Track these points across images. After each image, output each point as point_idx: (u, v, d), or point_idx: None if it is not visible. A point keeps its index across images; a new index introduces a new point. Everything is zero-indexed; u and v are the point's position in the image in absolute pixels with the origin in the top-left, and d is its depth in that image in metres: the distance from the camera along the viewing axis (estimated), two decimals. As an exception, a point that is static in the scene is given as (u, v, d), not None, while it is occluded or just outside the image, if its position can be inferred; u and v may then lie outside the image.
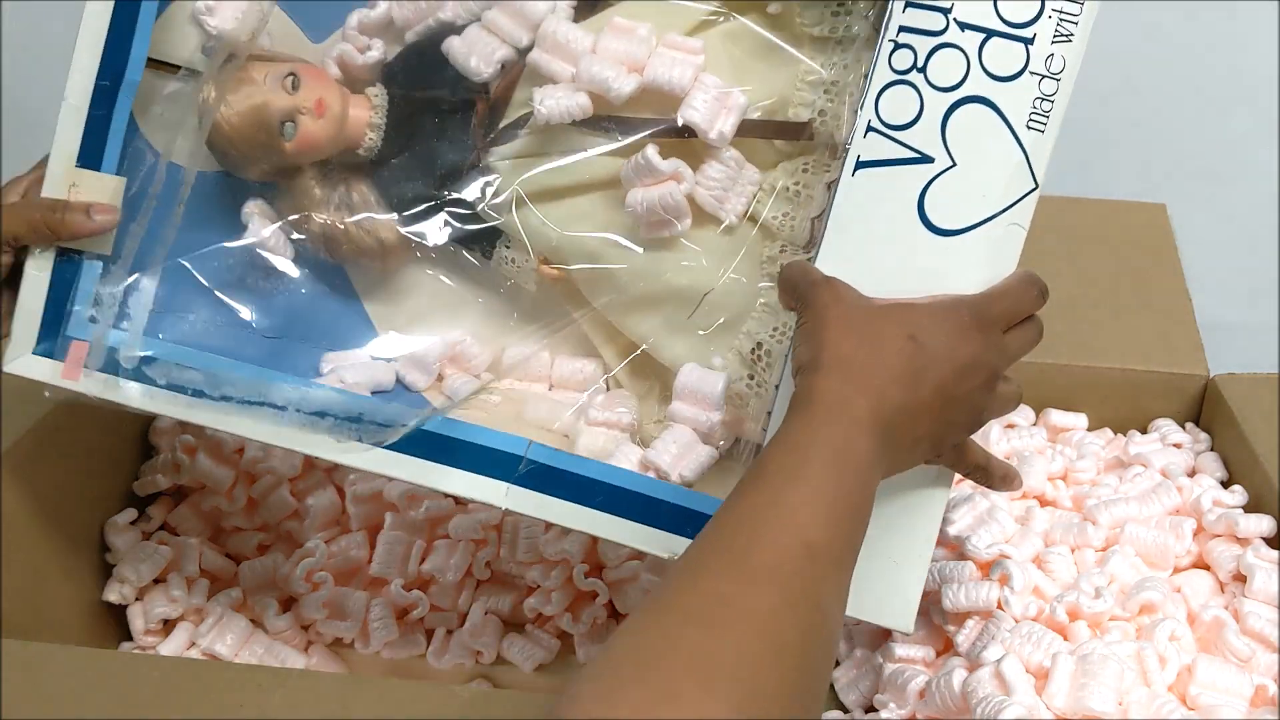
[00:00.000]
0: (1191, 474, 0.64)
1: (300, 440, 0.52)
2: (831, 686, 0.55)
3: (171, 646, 0.63)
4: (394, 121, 0.55)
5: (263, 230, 0.55)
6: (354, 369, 0.54)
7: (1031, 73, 0.44)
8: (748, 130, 0.52)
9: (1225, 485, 0.62)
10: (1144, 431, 0.69)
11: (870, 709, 0.53)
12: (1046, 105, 0.45)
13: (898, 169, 0.45)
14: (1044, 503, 0.61)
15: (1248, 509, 0.60)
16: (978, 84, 0.45)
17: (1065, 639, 0.51)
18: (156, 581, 0.65)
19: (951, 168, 0.45)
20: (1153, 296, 0.73)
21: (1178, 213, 0.80)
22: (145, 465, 0.70)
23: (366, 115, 0.55)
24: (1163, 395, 0.68)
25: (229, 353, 0.54)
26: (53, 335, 0.54)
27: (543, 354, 0.56)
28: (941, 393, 0.42)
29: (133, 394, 0.53)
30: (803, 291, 0.45)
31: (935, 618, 0.53)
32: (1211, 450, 0.66)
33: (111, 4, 0.53)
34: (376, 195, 0.55)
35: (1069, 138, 1.09)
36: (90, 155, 0.53)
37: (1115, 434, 0.68)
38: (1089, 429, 0.69)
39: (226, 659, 0.60)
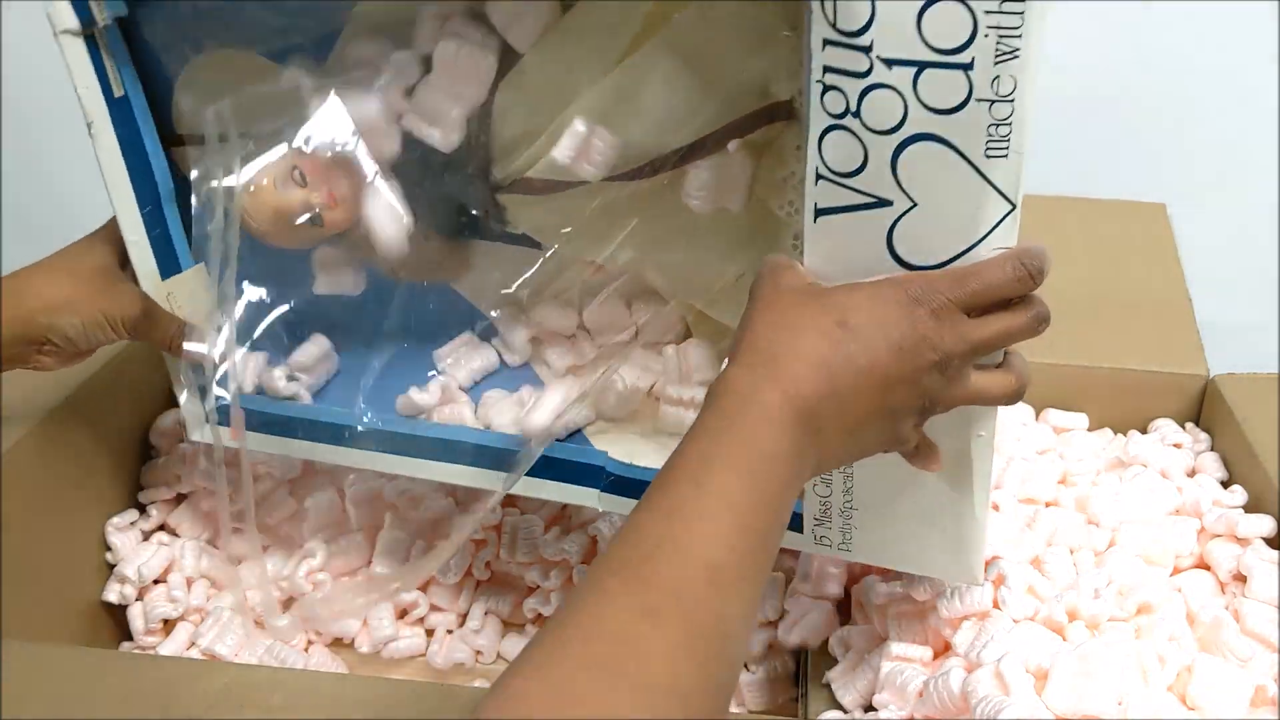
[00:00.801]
0: (1191, 474, 0.64)
1: (440, 472, 0.57)
2: (829, 686, 0.55)
3: (172, 647, 0.63)
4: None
5: (339, 277, 0.59)
6: (462, 366, 0.61)
7: (978, 100, 0.39)
8: (730, 131, 0.51)
9: (1225, 485, 0.62)
10: (1144, 431, 0.69)
11: (869, 708, 0.53)
12: (1004, 129, 0.39)
13: (858, 213, 0.42)
14: (1044, 503, 0.61)
15: (1248, 509, 0.60)
16: (920, 122, 0.39)
17: (1064, 639, 0.51)
18: (156, 582, 0.66)
19: (913, 208, 0.41)
20: (1153, 296, 0.73)
21: (1178, 213, 0.80)
22: (146, 468, 0.70)
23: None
24: (1163, 395, 0.68)
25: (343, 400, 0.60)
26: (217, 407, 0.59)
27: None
28: (876, 377, 0.40)
29: (287, 446, 0.59)
30: (752, 282, 0.43)
31: (932, 620, 0.53)
32: (1211, 450, 0.66)
33: (117, 140, 0.55)
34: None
35: (1069, 138, 1.10)
36: (168, 266, 0.58)
37: (1115, 434, 0.68)
38: (1089, 429, 0.69)
39: (227, 659, 0.60)
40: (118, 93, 0.55)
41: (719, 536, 0.36)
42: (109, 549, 0.66)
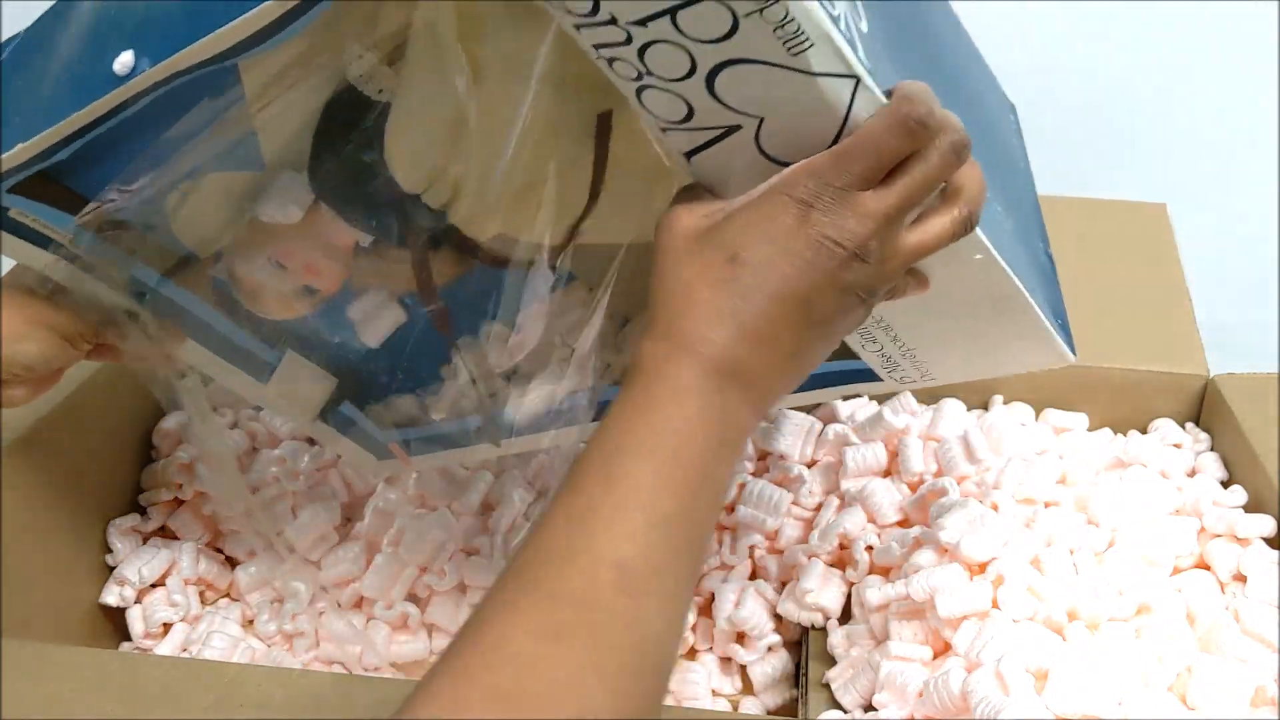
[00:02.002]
0: (1191, 474, 0.64)
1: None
2: (828, 686, 0.55)
3: (166, 649, 0.63)
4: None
5: (381, 322, 0.58)
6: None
7: (746, 15, 0.36)
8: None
9: (1225, 485, 0.62)
10: (1144, 431, 0.68)
11: (869, 708, 0.53)
12: (791, 26, 0.36)
13: (719, 144, 0.39)
14: (1044, 503, 0.61)
15: (1248, 509, 0.60)
16: (709, 56, 0.37)
17: (1064, 639, 0.51)
18: (154, 585, 0.66)
19: (763, 121, 0.38)
20: (1153, 296, 0.73)
21: (1178, 213, 0.80)
22: (147, 471, 0.70)
23: (349, 240, 0.54)
24: (1163, 395, 0.68)
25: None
26: (375, 448, 0.62)
27: None
28: (789, 299, 0.37)
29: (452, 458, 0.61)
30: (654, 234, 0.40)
31: (932, 620, 0.53)
32: (1211, 450, 0.66)
33: None
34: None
35: (1069, 138, 1.10)
36: None
37: (1115, 434, 0.68)
38: (1089, 429, 0.69)
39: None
40: None
41: (629, 534, 0.34)
42: (110, 551, 0.66)
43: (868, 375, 0.53)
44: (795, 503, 0.63)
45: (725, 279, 0.37)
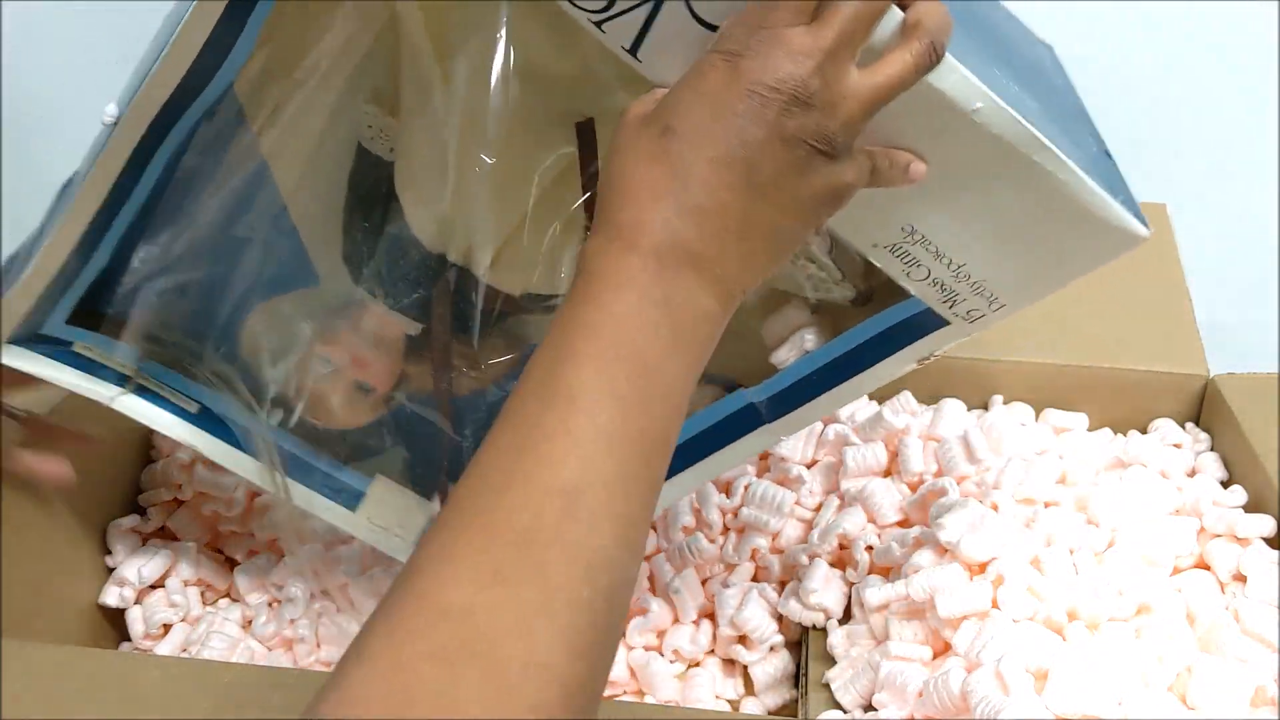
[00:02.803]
0: (1191, 474, 0.64)
1: None
2: (828, 686, 0.55)
3: (165, 649, 0.63)
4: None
5: None
6: None
7: None
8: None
9: (1225, 485, 0.62)
10: (1144, 431, 0.68)
11: (869, 708, 0.53)
12: None
13: (655, 23, 0.38)
14: (1044, 503, 0.61)
15: (1248, 509, 0.60)
16: None
17: (1064, 639, 0.51)
18: (154, 586, 0.65)
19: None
20: (1153, 296, 0.73)
21: (1178, 213, 0.80)
22: (146, 471, 0.70)
23: (397, 330, 0.53)
24: (1163, 395, 0.68)
25: None
26: None
27: None
28: (730, 163, 0.33)
29: None
30: None
31: (932, 620, 0.53)
32: (1211, 450, 0.66)
33: None
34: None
35: (1069, 138, 1.08)
36: None
37: (1115, 434, 0.68)
38: (1089, 429, 0.69)
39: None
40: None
41: (572, 454, 0.31)
42: (109, 552, 0.66)
43: (931, 321, 0.48)
44: (797, 503, 0.63)
45: (659, 154, 0.34)
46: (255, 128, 0.48)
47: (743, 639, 0.60)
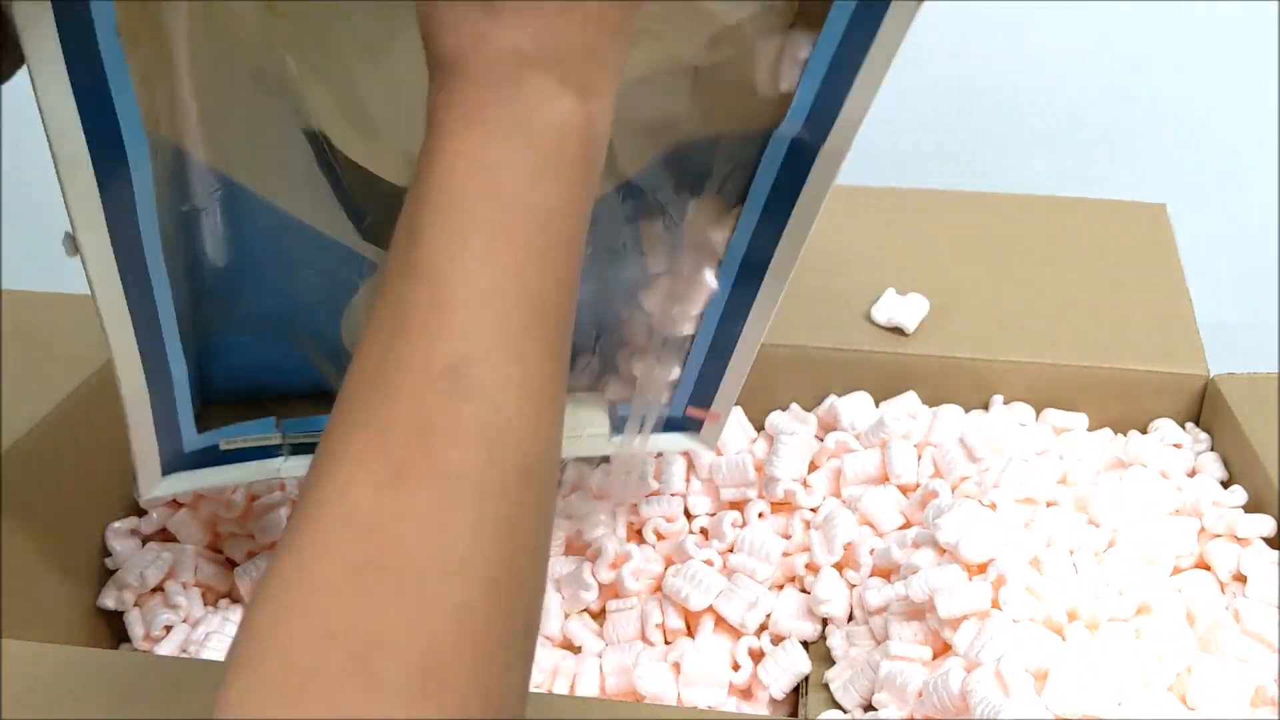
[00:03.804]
0: (1191, 474, 0.64)
1: None
2: (827, 686, 0.55)
3: (165, 650, 0.63)
4: None
5: None
6: None
7: None
8: None
9: (1225, 485, 0.62)
10: (1144, 431, 0.68)
11: (869, 708, 0.53)
12: None
13: None
14: (1044, 503, 0.61)
15: (1248, 509, 0.60)
16: None
17: (1064, 639, 0.51)
18: (154, 590, 0.65)
19: None
20: (1153, 296, 0.73)
21: (1178, 213, 0.80)
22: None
23: None
24: (1163, 395, 0.68)
25: None
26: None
27: None
28: None
29: None
30: None
31: (931, 620, 0.53)
32: (1211, 450, 0.66)
33: None
34: None
35: (1069, 138, 1.10)
36: None
37: (1115, 434, 0.68)
38: (1089, 429, 0.69)
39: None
40: None
41: (448, 327, 0.28)
42: (109, 554, 0.66)
43: None
44: (787, 536, 0.63)
45: None
46: (198, 154, 0.46)
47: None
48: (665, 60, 0.45)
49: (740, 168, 0.49)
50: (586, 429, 0.57)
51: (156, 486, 0.53)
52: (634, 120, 0.47)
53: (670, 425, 0.60)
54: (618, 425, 0.58)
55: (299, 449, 0.55)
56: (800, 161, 0.48)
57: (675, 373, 0.56)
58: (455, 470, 0.27)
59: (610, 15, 0.30)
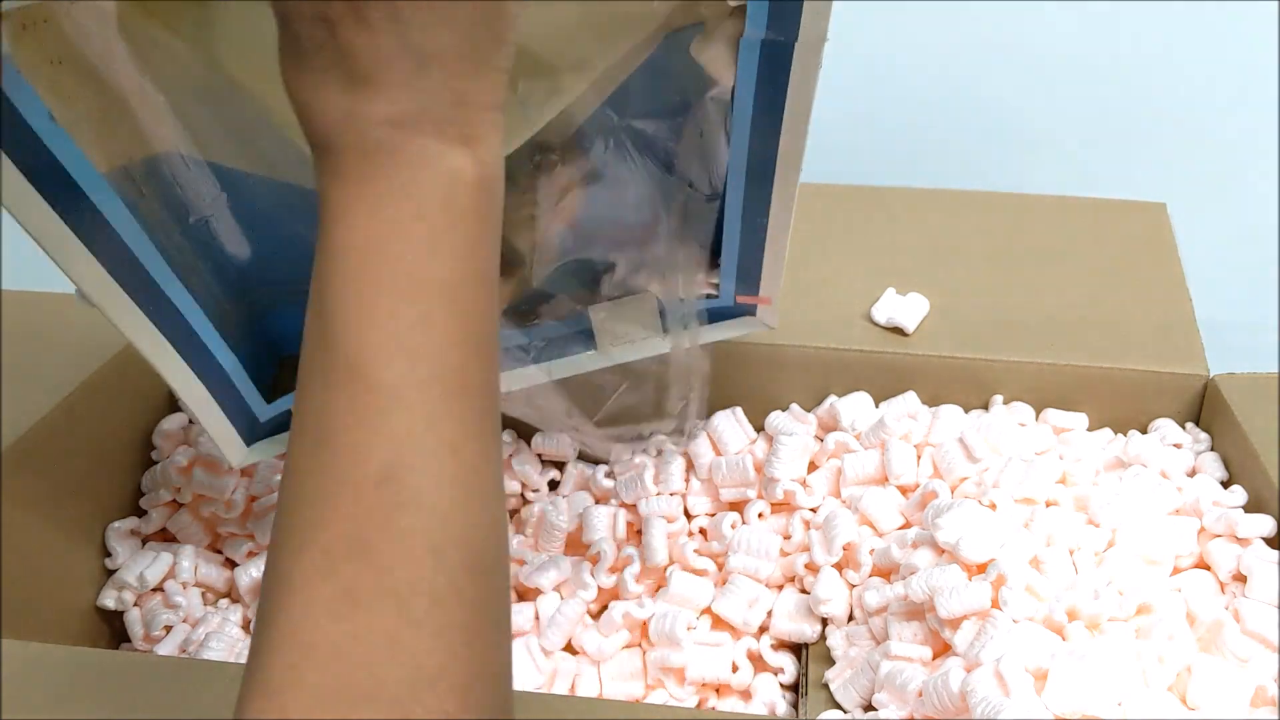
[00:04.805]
0: (1191, 474, 0.64)
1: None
2: (827, 686, 0.55)
3: (165, 650, 0.63)
4: None
5: None
6: None
7: None
8: None
9: (1225, 485, 0.62)
10: (1144, 431, 0.68)
11: (868, 708, 0.53)
12: None
13: None
14: (1044, 503, 0.61)
15: (1248, 509, 0.60)
16: None
17: (1064, 639, 0.51)
18: (154, 590, 0.65)
19: None
20: (1153, 296, 0.73)
21: (1178, 213, 0.80)
22: (147, 473, 0.70)
23: None
24: (1163, 395, 0.68)
25: None
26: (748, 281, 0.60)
27: None
28: (376, 8, 0.27)
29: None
30: None
31: (931, 620, 0.53)
32: (1211, 450, 0.66)
33: None
34: None
35: (1069, 138, 1.10)
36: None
37: (1115, 434, 0.68)
38: (1089, 429, 0.69)
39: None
40: None
41: (375, 434, 0.27)
42: (109, 554, 0.66)
43: None
44: (786, 536, 0.63)
45: (300, 52, 0.29)
46: (199, 153, 0.47)
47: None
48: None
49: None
50: (639, 333, 0.59)
51: (247, 456, 0.57)
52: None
53: (725, 314, 0.62)
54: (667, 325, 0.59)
55: None
56: (777, 64, 0.47)
57: (703, 252, 0.57)
58: (405, 586, 0.27)
59: (472, 60, 0.29)
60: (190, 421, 0.70)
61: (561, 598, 0.63)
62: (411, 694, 0.26)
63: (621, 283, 0.58)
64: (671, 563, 0.63)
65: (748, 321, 0.62)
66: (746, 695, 0.59)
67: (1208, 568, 0.58)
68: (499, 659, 0.29)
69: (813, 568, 0.61)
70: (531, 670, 0.59)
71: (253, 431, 0.58)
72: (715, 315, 0.61)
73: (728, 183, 0.54)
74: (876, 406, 0.69)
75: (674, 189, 0.54)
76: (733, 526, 0.62)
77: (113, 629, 0.66)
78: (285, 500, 0.29)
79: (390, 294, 0.28)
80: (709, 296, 0.60)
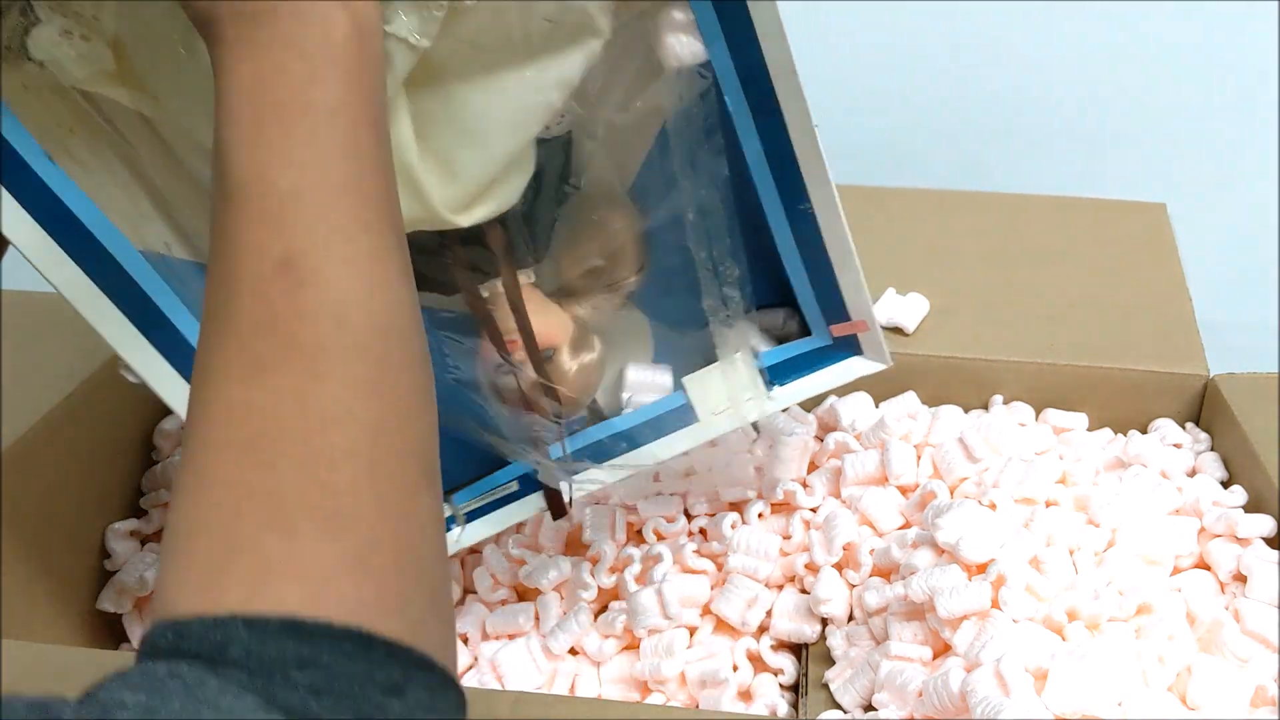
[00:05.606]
0: (1191, 474, 0.64)
1: None
2: (827, 686, 0.55)
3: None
4: None
5: None
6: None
7: None
8: None
9: (1225, 485, 0.62)
10: (1144, 431, 0.68)
11: (868, 708, 0.53)
12: None
13: None
14: (1044, 503, 0.61)
15: (1248, 509, 0.60)
16: None
17: (1064, 639, 0.51)
18: (152, 592, 0.65)
19: None
20: (1153, 296, 0.73)
21: (1178, 213, 0.80)
22: (148, 474, 0.70)
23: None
24: (1163, 395, 0.68)
25: None
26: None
27: None
28: None
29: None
30: None
31: (931, 620, 0.53)
32: (1211, 450, 0.66)
33: None
34: None
35: (1069, 138, 1.10)
36: None
37: (1115, 434, 0.68)
38: (1089, 429, 0.69)
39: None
40: None
41: (273, 228, 0.30)
42: (108, 555, 0.66)
43: None
44: (786, 537, 0.63)
45: None
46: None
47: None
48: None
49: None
50: (744, 395, 0.55)
51: None
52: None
53: (829, 357, 0.56)
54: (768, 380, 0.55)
55: (472, 515, 0.57)
56: (755, 80, 0.47)
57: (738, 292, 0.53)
58: (309, 348, 0.30)
59: None
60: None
61: (561, 598, 0.63)
62: (321, 433, 0.29)
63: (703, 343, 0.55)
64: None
65: (856, 365, 0.55)
66: (747, 696, 0.59)
67: (1208, 568, 0.58)
68: (415, 407, 0.32)
69: (813, 568, 0.61)
70: (531, 670, 0.59)
71: None
72: (817, 361, 0.56)
73: (756, 187, 0.50)
74: (876, 406, 0.69)
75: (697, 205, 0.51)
76: (733, 526, 0.62)
77: (112, 630, 0.66)
78: (204, 309, 0.32)
79: (277, 119, 0.31)
80: (798, 338, 0.56)
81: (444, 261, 0.50)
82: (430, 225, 0.45)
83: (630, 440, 0.56)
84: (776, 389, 0.55)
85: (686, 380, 0.55)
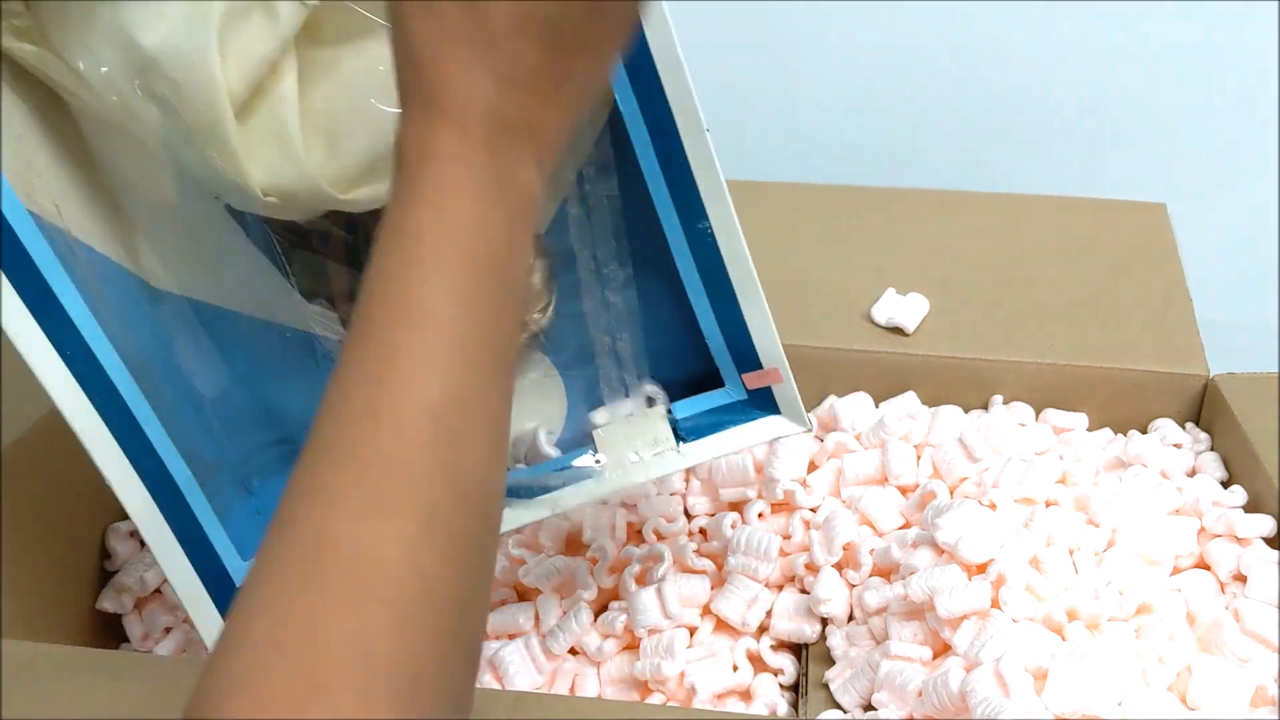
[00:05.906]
0: (1191, 474, 0.64)
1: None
2: (827, 686, 0.55)
3: (165, 650, 0.63)
4: None
5: None
6: None
7: None
8: None
9: (1225, 485, 0.62)
10: (1144, 431, 0.68)
11: (868, 708, 0.53)
12: None
13: None
14: (1044, 503, 0.61)
15: (1248, 509, 0.60)
16: None
17: (1064, 639, 0.51)
18: (156, 591, 0.65)
19: None
20: (1153, 296, 0.73)
21: (1178, 213, 0.80)
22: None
23: None
24: (1163, 395, 0.68)
25: None
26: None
27: None
28: (536, 26, 0.31)
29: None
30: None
31: (931, 620, 0.53)
32: (1211, 450, 0.66)
33: None
34: None
35: (1069, 138, 1.10)
36: None
37: (1115, 434, 0.68)
38: (1089, 429, 0.69)
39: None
40: None
41: (433, 374, 0.30)
42: (108, 555, 0.66)
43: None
44: (786, 537, 0.63)
45: (465, 28, 0.31)
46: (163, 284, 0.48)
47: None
48: None
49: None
50: (652, 450, 0.53)
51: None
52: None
53: (744, 412, 0.53)
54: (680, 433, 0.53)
55: None
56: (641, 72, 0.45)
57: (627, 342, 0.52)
58: (429, 510, 0.29)
59: (574, 109, 0.33)
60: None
61: (561, 598, 0.63)
62: (419, 600, 0.29)
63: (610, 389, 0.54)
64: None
65: (773, 425, 0.53)
66: (747, 696, 0.59)
67: (1208, 568, 0.58)
68: (484, 594, 0.33)
69: (813, 568, 0.61)
70: (531, 670, 0.59)
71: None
72: (733, 416, 0.53)
73: (656, 211, 0.47)
74: (876, 407, 0.69)
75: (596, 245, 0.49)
76: (733, 526, 0.62)
77: (112, 630, 0.66)
78: (329, 415, 0.31)
79: (468, 265, 0.31)
80: (710, 391, 0.53)
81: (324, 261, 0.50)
82: (311, 201, 0.44)
83: (543, 487, 0.54)
84: (684, 445, 0.52)
85: (597, 434, 0.53)
